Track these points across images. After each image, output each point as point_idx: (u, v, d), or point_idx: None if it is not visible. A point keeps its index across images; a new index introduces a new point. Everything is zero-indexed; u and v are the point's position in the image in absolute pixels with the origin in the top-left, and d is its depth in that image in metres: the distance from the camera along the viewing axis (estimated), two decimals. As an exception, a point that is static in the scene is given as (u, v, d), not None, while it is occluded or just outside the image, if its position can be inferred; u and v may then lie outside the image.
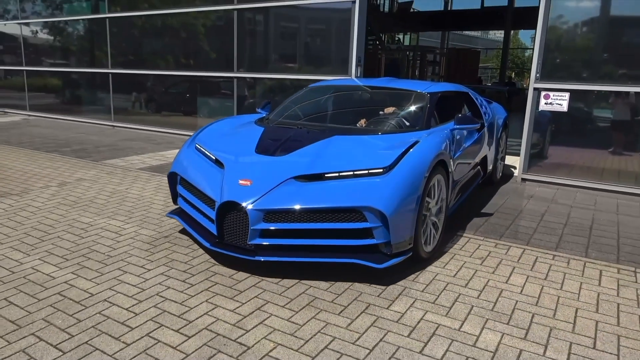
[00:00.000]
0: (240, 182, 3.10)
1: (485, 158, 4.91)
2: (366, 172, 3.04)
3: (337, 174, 3.06)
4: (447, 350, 2.33)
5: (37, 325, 2.45)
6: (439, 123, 4.12)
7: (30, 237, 3.66)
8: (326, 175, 3.07)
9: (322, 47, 7.45)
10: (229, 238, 3.08)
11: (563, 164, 5.77)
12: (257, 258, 2.93)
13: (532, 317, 2.66)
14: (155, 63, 9.21)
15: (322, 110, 4.64)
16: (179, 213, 3.71)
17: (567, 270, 3.29)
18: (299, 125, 3.98)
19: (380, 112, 4.21)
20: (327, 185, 3.01)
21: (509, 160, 6.88)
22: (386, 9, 20.63)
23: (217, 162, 3.45)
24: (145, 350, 2.27)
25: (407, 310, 2.70)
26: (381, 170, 3.03)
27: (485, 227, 4.13)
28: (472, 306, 2.76)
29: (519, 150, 5.96)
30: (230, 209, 3.04)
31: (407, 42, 24.22)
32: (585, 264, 3.41)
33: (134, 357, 2.21)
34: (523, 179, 5.90)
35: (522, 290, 2.97)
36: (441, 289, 2.97)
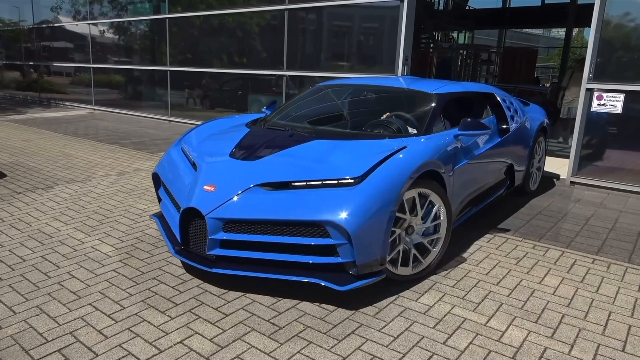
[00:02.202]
0: (205, 187, 2.92)
1: (511, 166, 4.49)
2: (335, 182, 2.75)
3: (304, 183, 2.79)
4: (470, 343, 2.39)
5: (94, 296, 2.73)
6: (449, 127, 3.79)
7: (91, 219, 4.01)
8: (293, 183, 2.81)
9: (370, 46, 7.52)
10: (194, 246, 2.91)
11: (616, 167, 5.55)
12: (214, 270, 2.76)
13: (562, 317, 2.66)
14: (210, 61, 9.63)
15: (321, 111, 4.38)
16: (161, 216, 3.52)
17: (605, 275, 3.22)
18: (287, 127, 3.70)
19: (382, 117, 3.95)
20: (291, 195, 2.75)
21: (559, 163, 6.69)
22: (441, 7, 20.31)
23: (194, 165, 3.31)
24: (187, 324, 2.48)
25: (435, 303, 2.77)
26: (352, 180, 2.74)
27: (525, 229, 4.09)
28: (502, 303, 2.79)
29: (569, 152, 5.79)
30: (193, 215, 2.87)
31: (461, 41, 23.71)
32: (626, 269, 3.33)
33: (177, 329, 2.43)
34: (572, 182, 5.74)
35: (555, 292, 2.96)
36: (472, 285, 3.01)
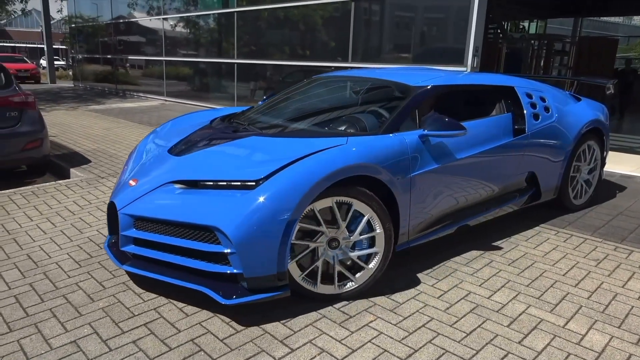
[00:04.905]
0: (130, 181, 2.89)
1: (534, 175, 3.82)
2: (239, 183, 2.52)
3: (212, 183, 2.59)
4: (548, 345, 2.31)
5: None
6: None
7: (168, 205, 4.23)
8: (201, 182, 2.62)
9: (438, 36, 7.36)
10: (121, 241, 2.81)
11: None
12: (123, 267, 2.68)
13: (649, 324, 2.50)
14: (275, 54, 9.81)
15: (298, 105, 4.02)
16: None
17: (699, 282, 2.99)
18: (247, 123, 3.50)
19: None
20: (196, 195, 2.58)
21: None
22: (511, -5, 19.40)
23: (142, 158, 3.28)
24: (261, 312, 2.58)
25: (508, 302, 2.70)
26: (252, 183, 2.48)
27: (605, 229, 3.87)
28: (581, 306, 2.67)
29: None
30: (116, 210, 2.79)
31: (532, 30, 22.57)
32: None
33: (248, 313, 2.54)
34: (657, 182, 5.34)
35: (640, 297, 2.79)
36: (548, 285, 2.89)
